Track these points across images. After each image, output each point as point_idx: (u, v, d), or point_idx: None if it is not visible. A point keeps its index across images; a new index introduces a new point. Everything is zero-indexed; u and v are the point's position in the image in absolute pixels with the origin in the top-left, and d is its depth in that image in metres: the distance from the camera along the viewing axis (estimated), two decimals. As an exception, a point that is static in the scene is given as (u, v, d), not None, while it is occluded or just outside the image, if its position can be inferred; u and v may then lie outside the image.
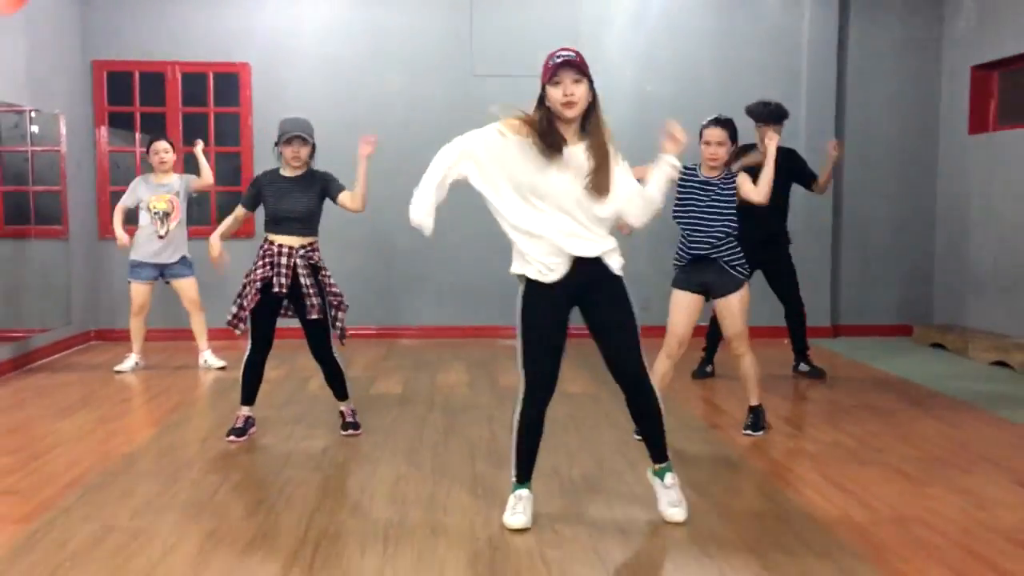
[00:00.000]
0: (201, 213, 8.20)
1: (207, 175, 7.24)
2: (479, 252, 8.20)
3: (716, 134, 4.98)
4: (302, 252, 4.98)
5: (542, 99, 3.57)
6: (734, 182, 5.01)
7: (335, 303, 5.10)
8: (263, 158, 8.55)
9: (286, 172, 5.05)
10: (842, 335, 8.90)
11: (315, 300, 4.96)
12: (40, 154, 7.96)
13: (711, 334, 6.88)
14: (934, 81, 8.89)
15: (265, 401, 5.95)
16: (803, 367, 7.04)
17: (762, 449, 4.96)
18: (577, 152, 3.58)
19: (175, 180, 7.09)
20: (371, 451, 4.87)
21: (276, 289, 4.90)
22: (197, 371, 7.05)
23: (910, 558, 3.44)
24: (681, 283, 5.08)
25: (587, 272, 3.62)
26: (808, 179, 6.96)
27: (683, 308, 5.05)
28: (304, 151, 5.01)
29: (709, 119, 5.07)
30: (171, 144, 7.14)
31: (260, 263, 4.95)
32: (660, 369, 4.98)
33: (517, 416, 3.74)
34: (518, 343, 3.72)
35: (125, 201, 7.09)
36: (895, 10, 8.83)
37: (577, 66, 3.52)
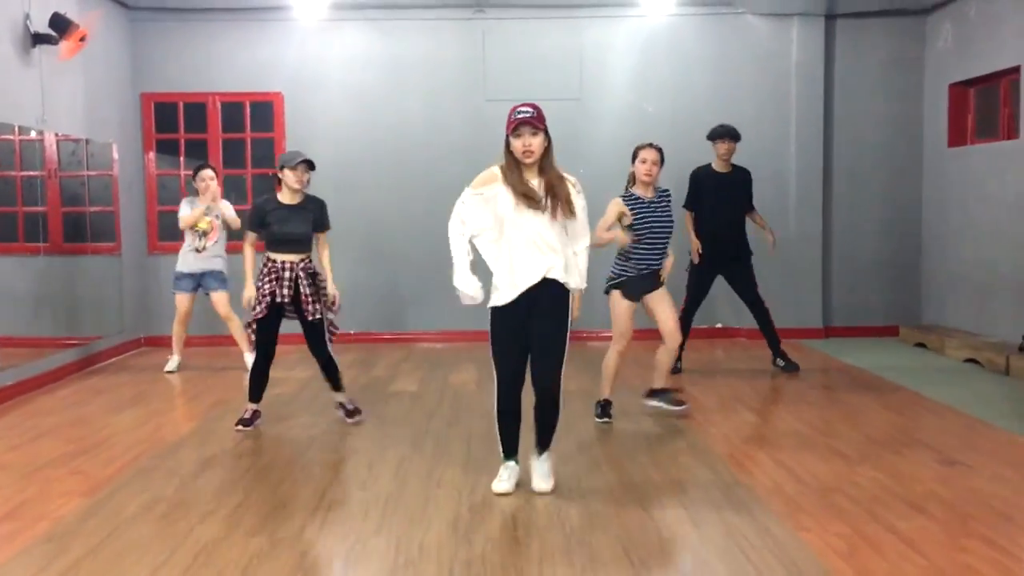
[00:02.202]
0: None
1: (234, 220, 7.96)
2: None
3: (653, 154, 5.82)
4: (302, 265, 5.75)
5: (508, 144, 4.34)
6: (666, 198, 5.91)
7: (328, 305, 5.86)
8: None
9: (284, 199, 5.81)
10: (833, 336, 9.49)
11: (314, 306, 5.73)
12: (95, 178, 8.80)
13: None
14: (917, 97, 9.46)
15: (294, 398, 6.77)
16: (779, 362, 7.68)
17: (727, 435, 5.62)
18: (537, 188, 4.38)
19: (221, 206, 7.90)
20: (382, 438, 5.62)
21: (279, 300, 5.67)
22: (234, 372, 7.85)
23: (819, 517, 4.11)
24: (631, 292, 5.83)
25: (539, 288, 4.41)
26: (750, 202, 7.77)
27: (629, 313, 5.86)
28: (307, 176, 5.80)
29: (644, 142, 5.89)
30: (215, 171, 7.97)
31: (267, 279, 5.70)
32: (614, 368, 5.92)
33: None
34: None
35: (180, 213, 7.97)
36: (879, 32, 9.43)
37: (532, 123, 4.29)
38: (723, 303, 9.01)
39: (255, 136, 9.48)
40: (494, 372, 4.53)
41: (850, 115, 9.48)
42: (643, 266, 5.82)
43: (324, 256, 5.98)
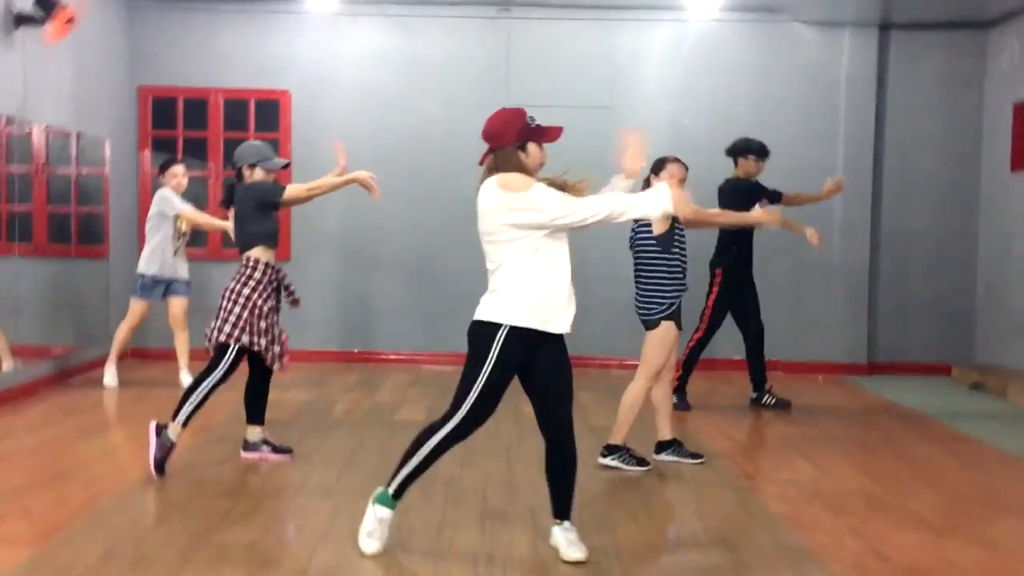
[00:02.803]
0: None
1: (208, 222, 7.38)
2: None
3: (682, 171, 5.22)
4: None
5: (524, 148, 3.75)
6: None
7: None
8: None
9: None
10: (878, 373, 8.73)
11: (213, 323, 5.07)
12: (84, 176, 8.15)
13: (687, 363, 6.85)
14: (976, 117, 8.74)
15: (290, 426, 6.03)
16: (768, 400, 6.95)
17: (781, 489, 4.87)
18: None
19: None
20: (384, 481, 4.87)
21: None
22: (227, 393, 7.09)
23: (918, 612, 3.35)
24: (675, 317, 5.17)
25: None
26: (770, 196, 6.89)
27: (673, 341, 5.18)
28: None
29: (671, 156, 5.30)
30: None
31: (265, 290, 5.06)
32: (665, 401, 5.30)
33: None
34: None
35: (179, 205, 7.22)
36: (936, 46, 8.73)
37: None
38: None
39: (260, 137, 8.76)
40: (469, 402, 3.72)
41: (903, 134, 8.75)
42: (684, 286, 5.18)
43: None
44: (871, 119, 8.67)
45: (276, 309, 5.14)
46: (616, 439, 5.20)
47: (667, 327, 5.13)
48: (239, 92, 8.74)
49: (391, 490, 3.83)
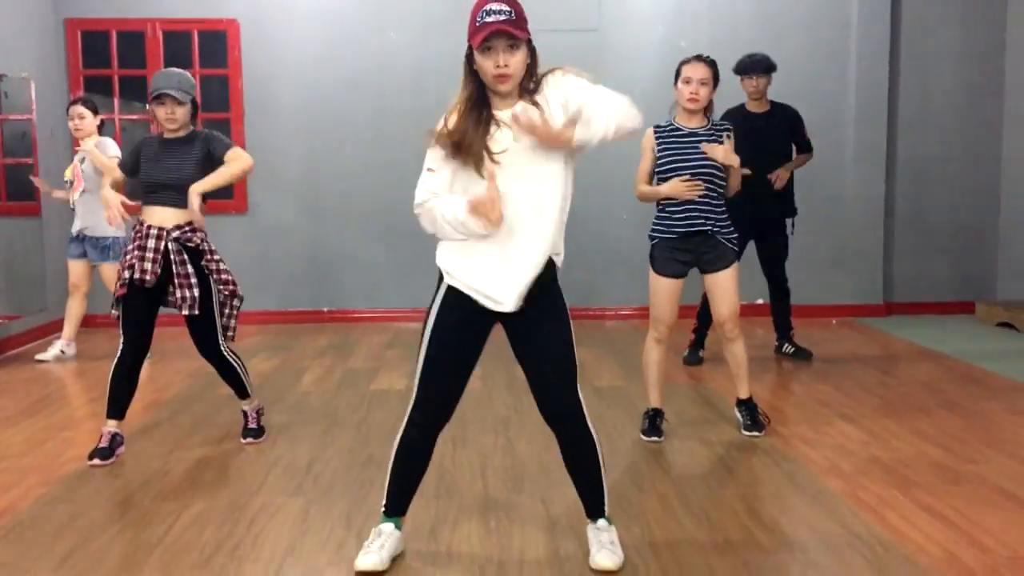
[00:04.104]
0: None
1: (106, 165, 6.06)
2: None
3: (702, 71, 4.31)
4: (175, 233, 4.14)
5: (470, 61, 2.84)
6: (722, 134, 4.35)
7: (225, 292, 4.29)
8: (255, 124, 7.80)
9: (166, 135, 4.22)
10: (895, 313, 8.04)
11: (187, 292, 4.13)
12: (9, 122, 7.22)
13: (702, 315, 6.05)
14: (999, 29, 7.95)
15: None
16: (787, 348, 6.33)
17: (830, 460, 4.15)
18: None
19: (84, 147, 6.30)
20: (364, 468, 4.10)
21: (139, 276, 4.08)
22: (176, 364, 6.26)
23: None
24: (664, 266, 4.40)
25: None
26: (801, 145, 6.22)
27: (668, 293, 4.42)
28: (180, 111, 4.14)
29: (692, 55, 4.40)
30: (89, 108, 6.33)
31: (130, 247, 4.16)
32: (654, 364, 4.47)
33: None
34: None
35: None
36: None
37: (510, 30, 2.72)
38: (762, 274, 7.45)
39: (205, 73, 7.82)
40: (414, 384, 2.98)
41: (920, 50, 7.93)
42: (678, 224, 4.33)
43: (228, 169, 4.17)
44: (886, 34, 7.84)
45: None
46: (652, 401, 4.55)
47: (652, 276, 4.46)
48: (180, 23, 7.74)
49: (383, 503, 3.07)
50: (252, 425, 4.52)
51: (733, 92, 6.03)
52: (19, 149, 7.37)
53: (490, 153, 2.80)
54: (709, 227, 4.33)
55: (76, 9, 7.72)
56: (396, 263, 7.90)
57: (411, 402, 2.99)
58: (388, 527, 3.05)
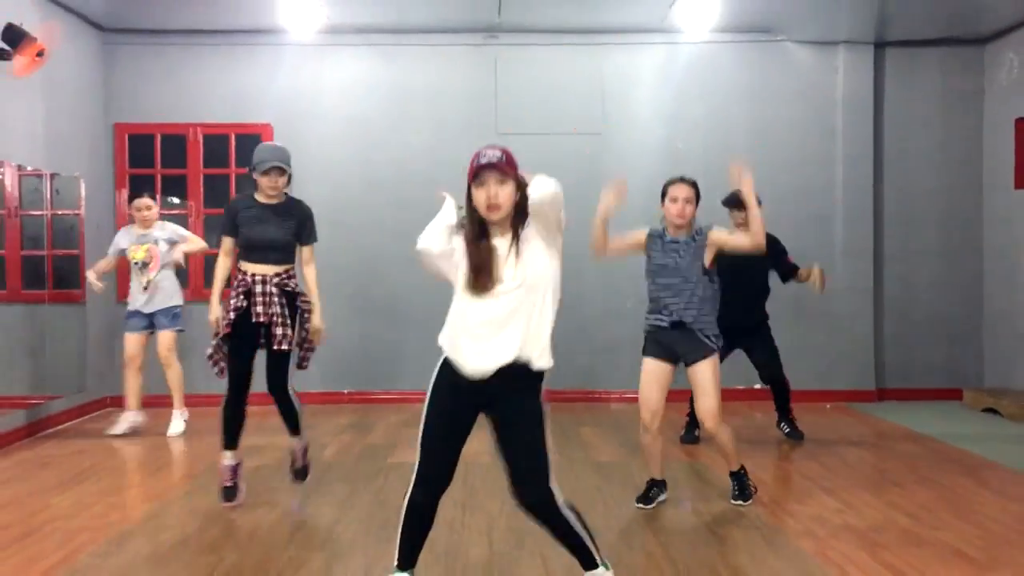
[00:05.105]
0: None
1: (194, 240, 7.16)
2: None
3: (685, 191, 4.77)
4: (276, 280, 4.77)
5: (469, 195, 3.34)
6: (702, 241, 4.77)
7: (307, 337, 4.91)
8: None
9: (261, 198, 4.87)
10: (887, 399, 8.44)
11: (283, 330, 4.74)
12: (59, 217, 7.83)
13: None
14: (976, 134, 8.56)
15: (275, 472, 5.67)
16: (784, 427, 6.73)
17: (806, 525, 4.55)
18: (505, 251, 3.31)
19: (156, 231, 7.02)
20: (382, 528, 4.52)
21: (255, 319, 4.69)
22: (212, 437, 6.72)
23: (980, 659, 3.03)
24: (651, 351, 4.83)
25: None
26: (785, 269, 6.60)
27: (654, 378, 4.81)
28: (281, 181, 4.84)
29: (674, 177, 4.88)
30: (153, 199, 7.09)
31: (233, 293, 4.76)
32: (648, 447, 4.90)
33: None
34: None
35: (111, 252, 7.11)
36: (933, 62, 8.56)
37: (500, 168, 3.25)
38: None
39: (240, 172, 8.49)
40: (417, 457, 3.43)
41: (902, 154, 8.56)
42: (660, 316, 4.78)
43: (310, 275, 4.97)
44: (869, 138, 8.47)
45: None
46: (651, 472, 4.98)
47: (642, 362, 4.87)
48: (218, 127, 8.46)
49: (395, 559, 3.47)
50: (299, 465, 5.08)
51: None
52: (68, 242, 7.97)
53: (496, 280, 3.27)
54: (688, 320, 4.72)
55: (125, 115, 8.44)
56: (411, 347, 8.40)
57: (415, 469, 3.43)
58: None
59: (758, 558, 4.08)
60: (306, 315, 4.88)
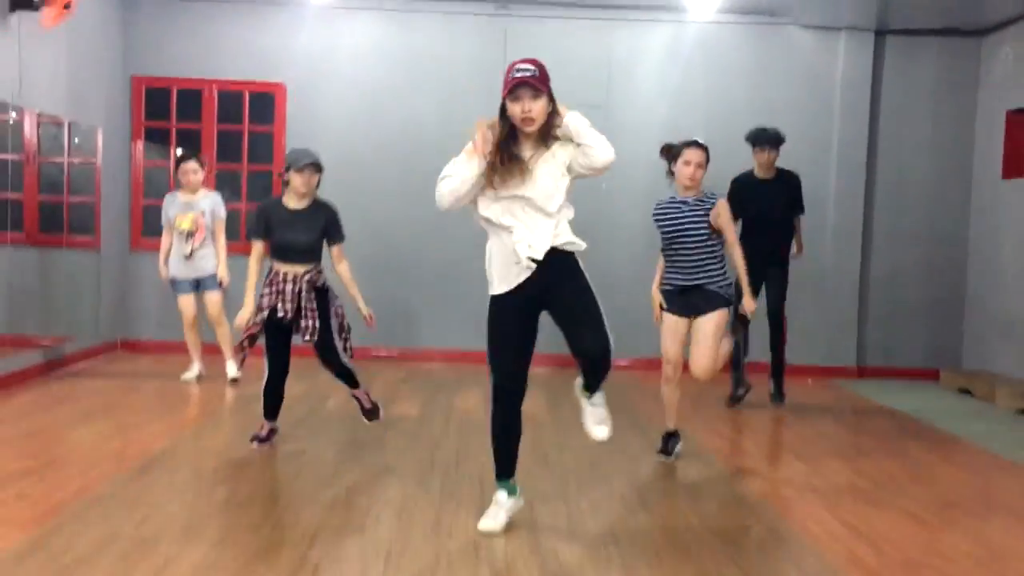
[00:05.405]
0: (231, 228, 8.26)
1: (222, 250, 7.30)
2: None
3: (699, 155, 5.14)
4: (307, 277, 5.10)
5: (504, 111, 3.69)
6: (709, 204, 5.10)
7: (339, 321, 5.23)
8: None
9: (290, 203, 5.18)
10: (868, 376, 8.78)
11: (311, 323, 5.06)
12: (76, 165, 8.09)
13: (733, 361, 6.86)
14: (968, 124, 8.82)
15: (282, 417, 5.99)
16: (771, 387, 7.13)
17: (775, 486, 4.90)
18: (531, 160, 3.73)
19: (202, 199, 7.21)
20: (382, 472, 4.87)
21: (280, 315, 5.03)
22: (219, 384, 7.08)
23: (917, 604, 3.38)
24: (670, 307, 5.18)
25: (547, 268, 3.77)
26: (796, 210, 7.09)
27: (672, 332, 5.17)
28: (315, 179, 5.14)
29: (689, 140, 5.24)
30: (200, 163, 7.25)
31: (267, 291, 5.10)
32: (666, 397, 5.22)
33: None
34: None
35: (164, 223, 7.30)
36: (931, 52, 8.79)
37: (533, 84, 3.57)
38: (752, 335, 8.23)
39: (253, 129, 8.76)
40: (490, 377, 3.88)
41: (896, 139, 8.82)
42: (674, 275, 5.16)
43: (344, 272, 5.34)
44: (865, 122, 8.72)
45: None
46: (668, 424, 5.31)
47: (663, 316, 5.22)
48: (234, 84, 8.70)
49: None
50: (368, 406, 5.53)
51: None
52: (83, 189, 8.25)
53: (522, 161, 3.68)
54: (700, 277, 5.08)
55: (142, 68, 8.68)
56: (412, 306, 8.72)
57: (491, 387, 3.85)
58: (502, 496, 3.88)
59: (727, 509, 4.43)
60: (339, 308, 5.21)
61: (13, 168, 7.04)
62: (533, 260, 3.72)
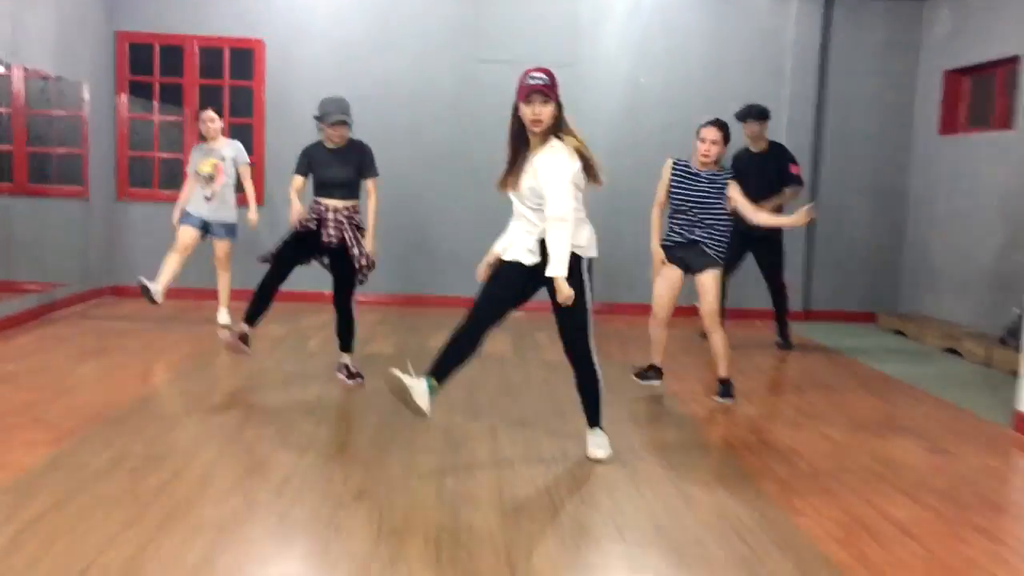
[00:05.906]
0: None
1: (248, 183, 7.76)
2: (493, 225, 8.65)
3: (712, 133, 5.59)
4: (346, 213, 5.66)
5: (516, 109, 4.23)
6: (723, 179, 5.60)
7: (363, 260, 5.71)
8: (274, 130, 9.11)
9: (328, 144, 5.71)
10: (812, 319, 9.43)
11: (359, 250, 5.61)
12: (63, 118, 8.45)
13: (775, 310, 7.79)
14: (910, 83, 9.37)
15: (266, 355, 6.54)
16: (778, 339, 7.83)
17: (711, 413, 5.52)
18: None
19: (223, 146, 7.64)
20: (361, 402, 5.44)
21: (326, 240, 5.57)
22: (213, 327, 7.60)
23: (813, 501, 4.01)
24: (668, 258, 5.73)
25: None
26: (784, 178, 7.58)
27: (666, 279, 5.74)
28: (345, 131, 5.66)
29: (708, 120, 5.69)
30: (217, 113, 7.69)
31: (309, 218, 5.64)
32: (654, 336, 5.86)
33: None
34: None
35: (189, 172, 7.70)
36: (878, 14, 9.31)
37: (544, 91, 4.13)
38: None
39: (233, 84, 9.15)
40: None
41: (843, 97, 9.36)
42: (673, 233, 5.71)
43: (372, 204, 5.82)
44: (814, 82, 9.25)
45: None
46: (652, 358, 5.94)
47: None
48: (214, 40, 9.06)
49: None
50: (355, 370, 5.92)
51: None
52: (70, 141, 8.62)
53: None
54: (696, 238, 5.61)
55: (126, 23, 9.02)
56: (387, 255, 9.19)
57: (469, 312, 4.37)
58: (424, 382, 4.21)
59: (668, 428, 5.05)
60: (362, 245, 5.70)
61: (3, 121, 7.41)
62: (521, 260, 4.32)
